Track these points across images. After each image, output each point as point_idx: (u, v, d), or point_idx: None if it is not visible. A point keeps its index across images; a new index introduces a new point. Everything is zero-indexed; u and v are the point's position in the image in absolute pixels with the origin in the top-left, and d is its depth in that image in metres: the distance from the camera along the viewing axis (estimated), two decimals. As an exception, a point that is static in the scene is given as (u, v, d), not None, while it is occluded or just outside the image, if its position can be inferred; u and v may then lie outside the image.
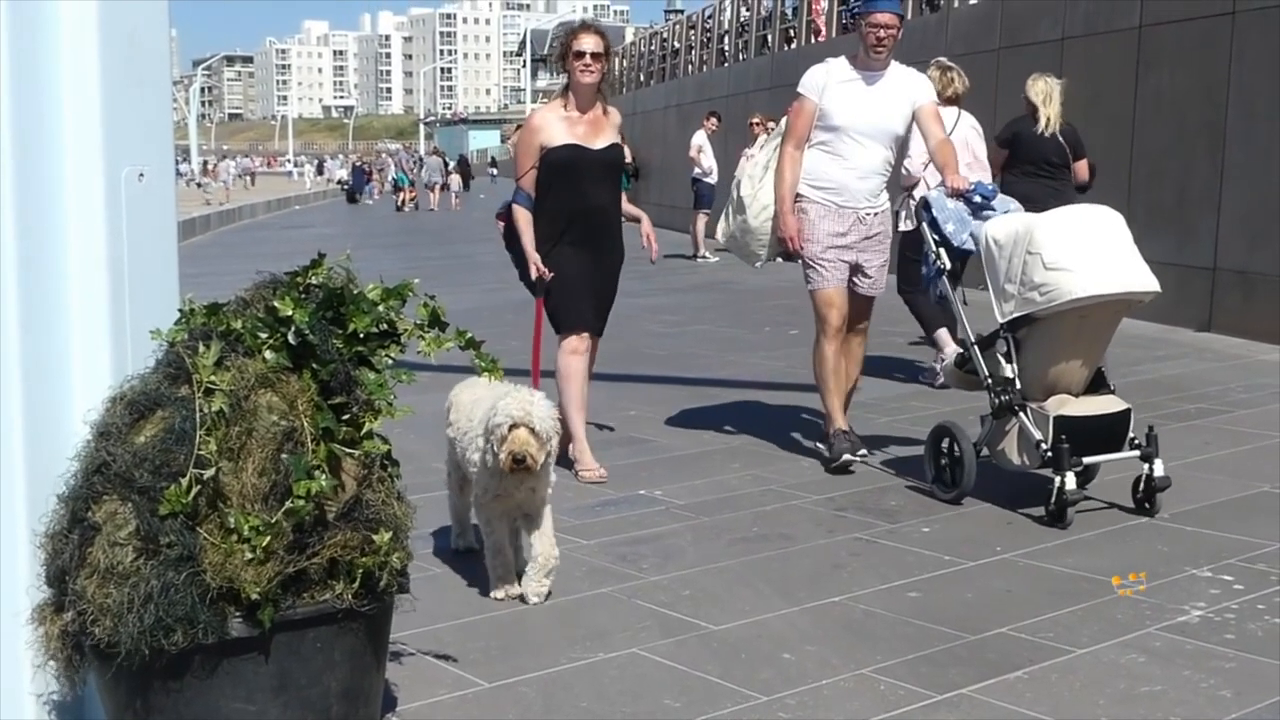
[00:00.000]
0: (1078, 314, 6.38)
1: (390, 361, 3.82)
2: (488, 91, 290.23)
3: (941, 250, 7.04)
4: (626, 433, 8.39)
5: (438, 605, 5.18)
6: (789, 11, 26.31)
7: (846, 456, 7.34)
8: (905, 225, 9.80)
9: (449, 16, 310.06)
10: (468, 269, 21.45)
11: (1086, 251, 6.33)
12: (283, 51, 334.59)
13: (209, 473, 3.42)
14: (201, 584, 3.41)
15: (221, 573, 3.43)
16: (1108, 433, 6.50)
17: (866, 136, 7.48)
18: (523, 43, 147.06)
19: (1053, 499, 6.25)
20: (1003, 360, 6.60)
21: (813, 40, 24.23)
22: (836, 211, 7.50)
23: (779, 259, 7.94)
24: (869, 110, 7.49)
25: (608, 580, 5.60)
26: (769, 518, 6.57)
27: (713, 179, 21.95)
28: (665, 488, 7.01)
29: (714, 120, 22.61)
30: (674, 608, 5.29)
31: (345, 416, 3.66)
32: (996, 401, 6.62)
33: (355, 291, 3.80)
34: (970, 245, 6.92)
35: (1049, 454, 6.32)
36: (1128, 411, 6.55)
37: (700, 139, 22.31)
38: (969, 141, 9.71)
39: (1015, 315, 6.48)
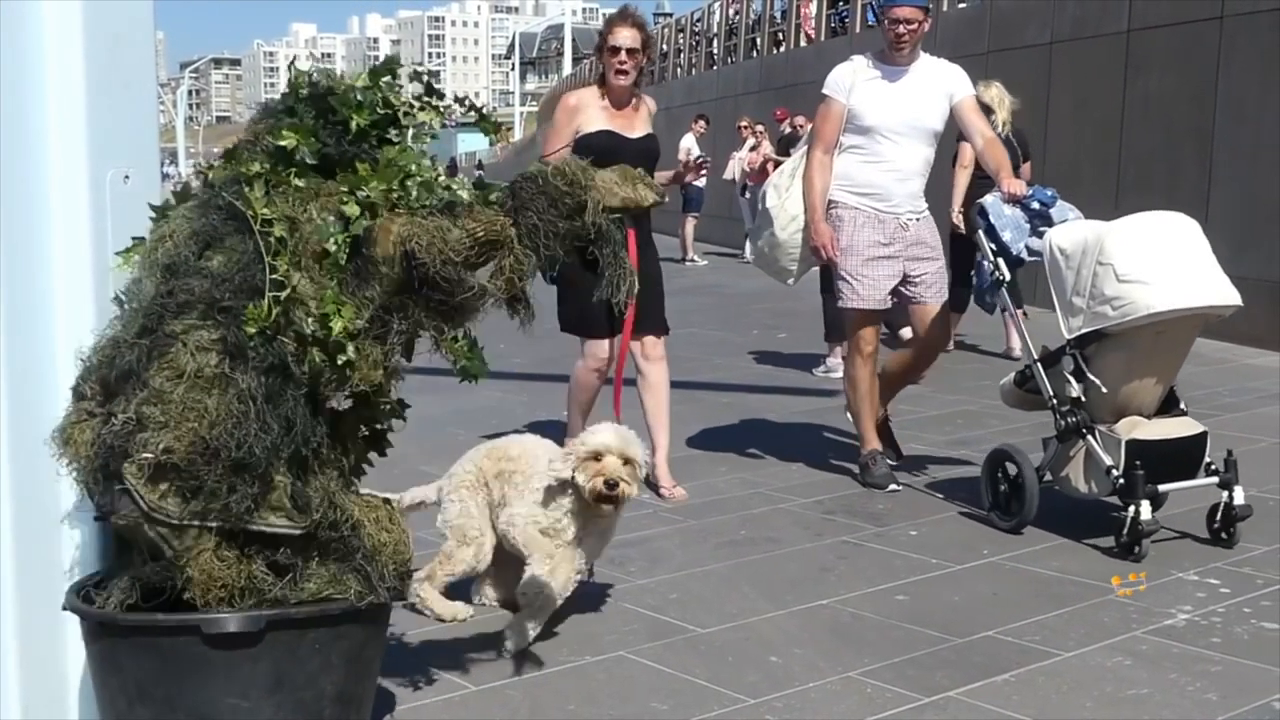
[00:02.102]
0: (1153, 329, 5.94)
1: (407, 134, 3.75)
2: (476, 94, 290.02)
3: (1000, 260, 6.57)
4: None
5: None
6: (778, 15, 26.36)
7: (893, 487, 7.06)
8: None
9: (437, 19, 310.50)
10: (456, 272, 21.39)
11: (1163, 262, 5.89)
12: (270, 54, 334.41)
13: (285, 292, 3.47)
14: (300, 390, 3.48)
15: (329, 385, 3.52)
16: (1184, 457, 6.06)
17: (902, 135, 7.01)
18: (511, 45, 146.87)
19: (1125, 530, 5.84)
20: (1070, 379, 6.14)
21: (801, 44, 24.25)
22: (876, 219, 7.02)
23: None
24: (902, 107, 7.01)
25: (596, 584, 5.59)
26: (756, 520, 6.57)
27: (701, 182, 21.97)
28: (651, 490, 7.00)
29: (702, 123, 22.61)
30: (661, 611, 5.29)
31: None
32: (1063, 424, 6.18)
33: (343, 87, 3.72)
34: (1027, 255, 6.54)
35: (1120, 481, 5.90)
36: (1204, 434, 6.11)
37: (688, 142, 22.31)
38: None
39: (1084, 331, 6.04)
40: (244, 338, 3.44)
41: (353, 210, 3.55)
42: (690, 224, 22.42)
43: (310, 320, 3.49)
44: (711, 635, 5.02)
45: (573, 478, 4.82)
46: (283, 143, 3.64)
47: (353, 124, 3.68)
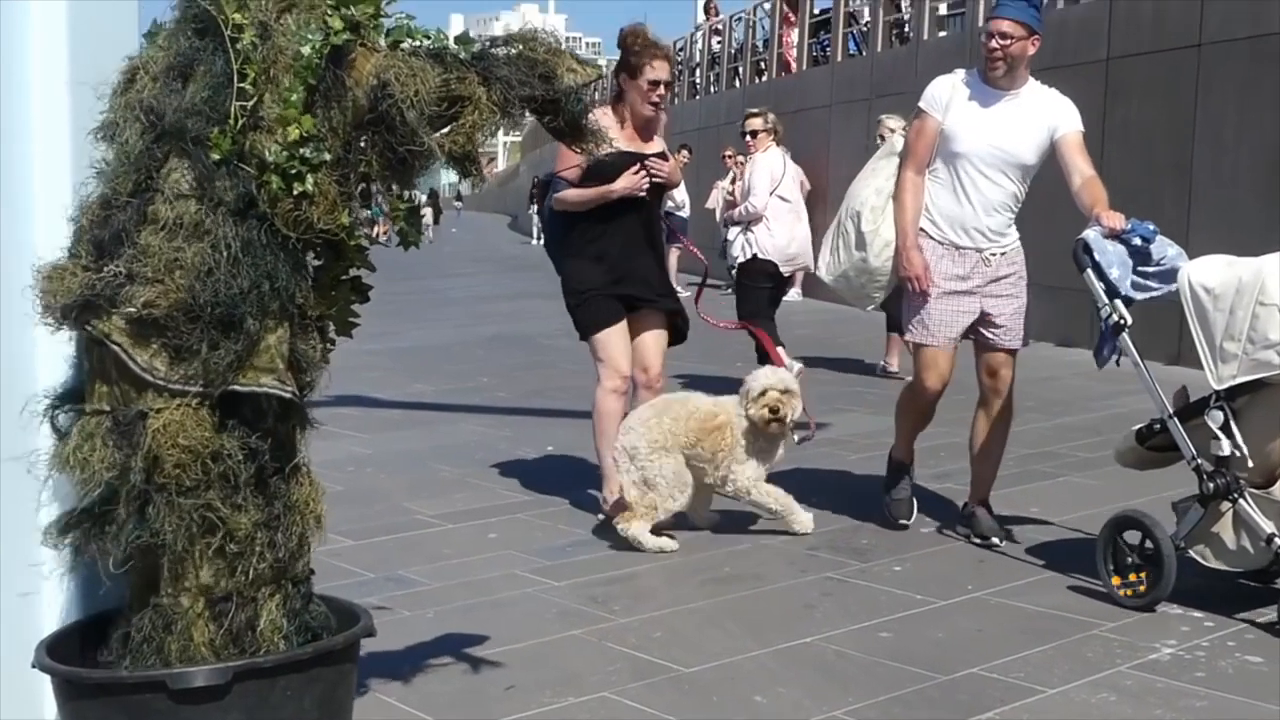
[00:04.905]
0: None
1: None
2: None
3: (1117, 303, 5.86)
4: (597, 472, 8.35)
5: (405, 648, 5.13)
6: (760, 44, 26.41)
7: (903, 521, 6.91)
8: (740, 257, 11.04)
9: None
10: (440, 304, 21.42)
11: None
12: None
13: (251, 102, 3.46)
14: (279, 241, 3.50)
15: (293, 222, 3.51)
16: None
17: (991, 167, 6.48)
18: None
19: None
20: (1221, 435, 5.47)
21: (784, 73, 24.32)
22: (955, 252, 6.53)
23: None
24: (999, 136, 6.46)
25: (579, 622, 5.57)
26: (740, 557, 6.55)
27: (685, 212, 21.95)
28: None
29: (685, 153, 22.64)
30: (645, 650, 5.26)
31: None
32: (1210, 486, 5.48)
33: None
34: (1135, 294, 5.91)
35: None
36: None
37: (673, 171, 22.33)
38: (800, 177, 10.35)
39: (1243, 379, 5.40)
40: (210, 167, 3.45)
41: (336, 23, 3.52)
42: (673, 255, 22.41)
43: (274, 146, 3.48)
44: (695, 674, 5.00)
45: (748, 413, 6.67)
46: None
47: None
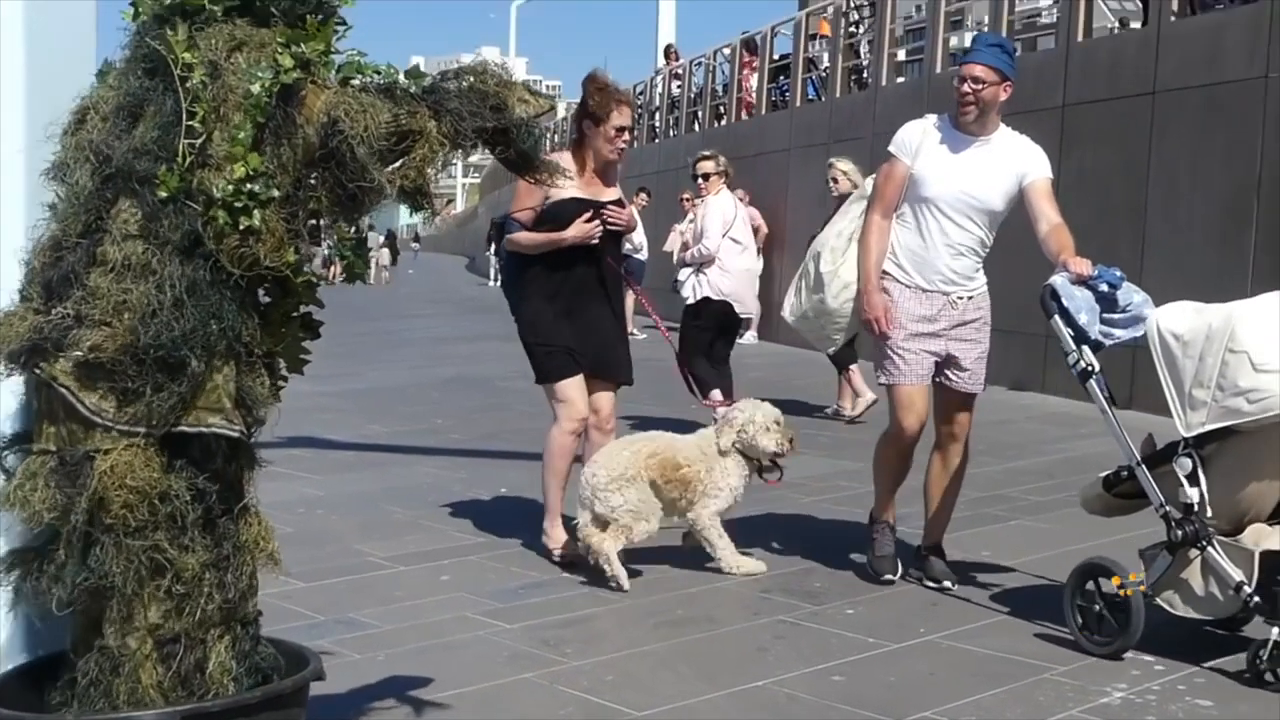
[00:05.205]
0: None
1: None
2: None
3: (1085, 349, 5.86)
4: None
5: (355, 691, 5.09)
6: (719, 88, 26.54)
7: (888, 577, 6.70)
8: (689, 298, 11.41)
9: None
10: (396, 345, 21.35)
11: None
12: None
13: (199, 140, 3.46)
14: (226, 279, 3.50)
15: (239, 259, 3.49)
16: None
17: (959, 213, 6.47)
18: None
19: (1266, 653, 5.19)
20: (1186, 482, 5.46)
21: (743, 116, 24.43)
22: (922, 295, 6.52)
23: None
24: (968, 182, 6.45)
25: (531, 665, 5.54)
26: (693, 600, 6.53)
27: (643, 255, 21.98)
28: (590, 570, 6.95)
29: (644, 196, 22.69)
30: (597, 693, 5.23)
31: None
32: (1178, 534, 5.45)
33: None
34: (1103, 339, 5.91)
35: (1255, 599, 5.25)
36: None
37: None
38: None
39: (1212, 427, 5.39)
40: (157, 205, 3.44)
41: (286, 61, 3.51)
42: (630, 297, 22.42)
43: (221, 183, 3.47)
44: (648, 718, 4.96)
45: (755, 442, 6.83)
46: None
47: None
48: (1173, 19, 13.14)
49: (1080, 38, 14.56)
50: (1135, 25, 15.72)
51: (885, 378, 6.60)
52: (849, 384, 12.42)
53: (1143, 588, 5.51)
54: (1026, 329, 10.54)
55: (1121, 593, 5.42)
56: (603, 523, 6.67)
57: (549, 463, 7.18)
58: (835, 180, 12.18)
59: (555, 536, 7.19)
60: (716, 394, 9.75)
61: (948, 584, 6.58)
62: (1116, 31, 16.21)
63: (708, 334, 11.36)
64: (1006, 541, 7.54)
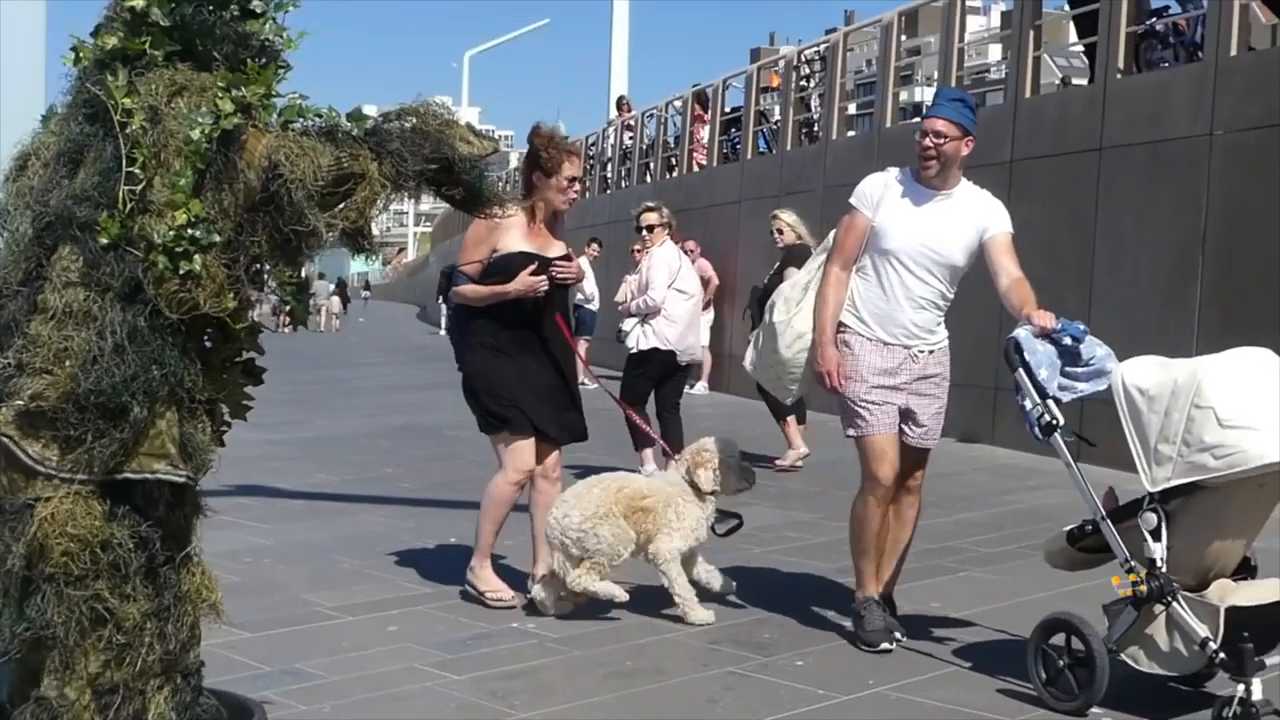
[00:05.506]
0: (1256, 482, 5.28)
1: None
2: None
3: (1049, 403, 5.77)
4: (498, 564, 8.29)
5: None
6: (671, 140, 26.65)
7: (885, 645, 6.40)
8: (634, 348, 11.50)
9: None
10: (346, 394, 21.27)
11: (1270, 406, 5.22)
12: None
13: (139, 185, 3.45)
14: (167, 325, 3.49)
15: (179, 304, 3.48)
16: None
17: (920, 266, 6.44)
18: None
19: (1231, 710, 5.06)
20: (1149, 537, 5.40)
21: (694, 168, 24.54)
22: (883, 348, 6.46)
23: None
24: (929, 235, 6.43)
25: (479, 716, 5.49)
26: (643, 651, 6.49)
27: (594, 305, 22.02)
28: (538, 620, 6.90)
29: (595, 246, 22.72)
30: (544, 745, 5.19)
31: None
32: (1143, 589, 5.36)
33: None
34: (1061, 394, 5.83)
35: (1220, 655, 5.14)
36: None
37: (581, 265, 22.40)
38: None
39: (1177, 482, 5.33)
40: (98, 252, 3.42)
41: (226, 106, 3.49)
42: (582, 347, 22.44)
43: (163, 228, 3.45)
44: (595, 771, 4.94)
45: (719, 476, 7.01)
46: (132, 3, 3.57)
47: None
48: (1118, 76, 13.27)
49: (1028, 94, 14.70)
50: (1081, 82, 15.90)
51: (854, 430, 6.51)
52: (784, 434, 12.51)
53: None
54: (976, 381, 10.60)
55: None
56: (577, 560, 6.74)
57: (488, 509, 7.23)
58: (780, 231, 12.37)
59: (484, 578, 7.24)
60: (648, 453, 9.85)
61: (897, 635, 6.54)
62: (1063, 88, 16.39)
63: (650, 382, 11.51)
64: (956, 593, 7.53)
